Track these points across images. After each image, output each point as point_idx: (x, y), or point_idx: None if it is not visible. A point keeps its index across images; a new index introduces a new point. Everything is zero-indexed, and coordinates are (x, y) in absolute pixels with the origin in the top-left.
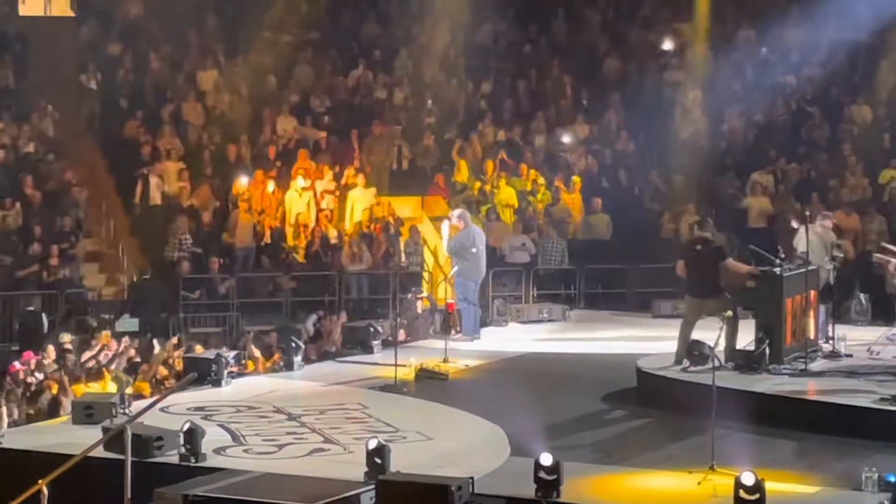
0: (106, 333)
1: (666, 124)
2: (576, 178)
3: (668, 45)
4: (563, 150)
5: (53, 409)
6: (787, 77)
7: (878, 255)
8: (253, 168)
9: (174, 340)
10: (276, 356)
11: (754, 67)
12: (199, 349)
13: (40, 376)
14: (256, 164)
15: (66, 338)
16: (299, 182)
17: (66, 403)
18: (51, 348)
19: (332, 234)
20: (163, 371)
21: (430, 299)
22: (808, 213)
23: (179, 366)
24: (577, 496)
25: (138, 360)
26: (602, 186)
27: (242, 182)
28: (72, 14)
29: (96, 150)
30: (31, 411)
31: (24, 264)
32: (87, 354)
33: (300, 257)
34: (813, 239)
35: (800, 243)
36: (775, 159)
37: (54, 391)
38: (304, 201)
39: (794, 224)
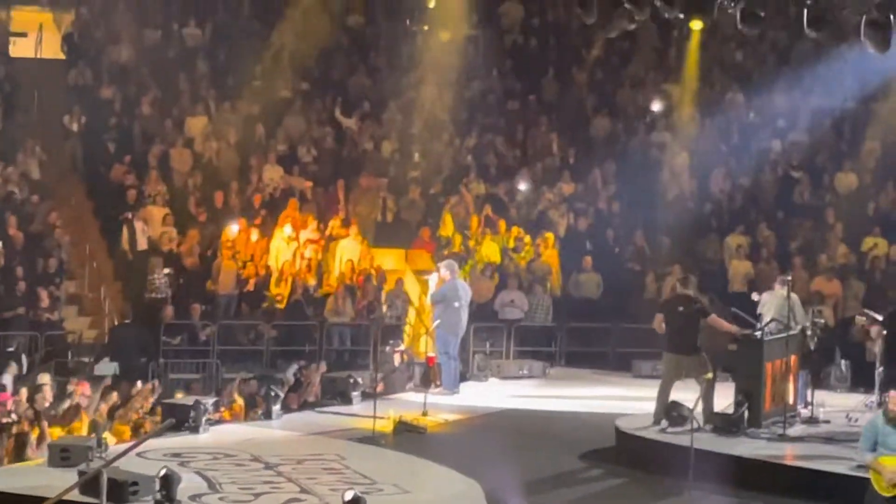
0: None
1: (652, 184)
2: (549, 235)
3: (656, 105)
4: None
5: (19, 450)
6: (773, 142)
7: (861, 317)
8: (238, 216)
9: (148, 386)
10: (260, 405)
11: (741, 131)
12: (178, 395)
13: (15, 417)
14: (242, 211)
15: (45, 378)
16: (286, 231)
17: (35, 444)
18: (23, 390)
19: (313, 283)
20: (136, 416)
21: (407, 353)
22: (789, 279)
23: (146, 408)
24: None
25: (119, 403)
26: (585, 245)
27: (232, 229)
28: (63, 57)
29: (82, 192)
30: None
31: (9, 305)
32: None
33: (282, 305)
34: (779, 302)
35: (764, 309)
36: (759, 223)
37: (26, 430)
38: (289, 250)
39: (755, 296)
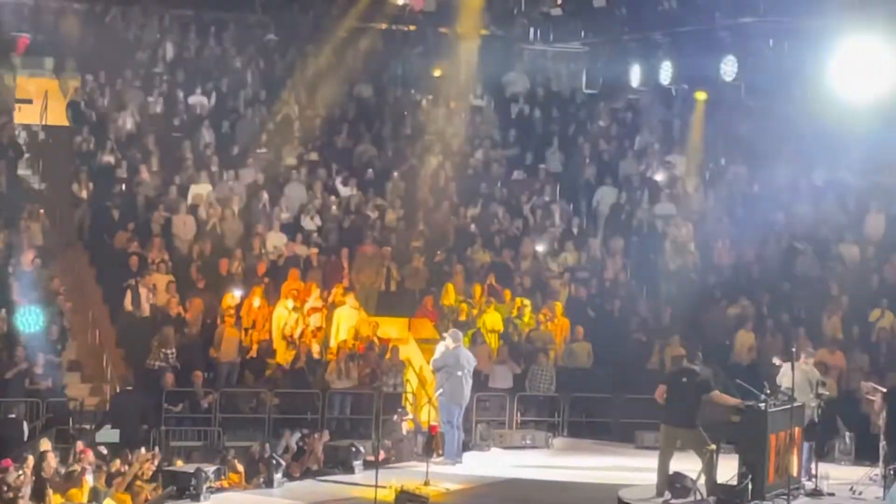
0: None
1: (656, 255)
2: (557, 304)
3: (660, 177)
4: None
5: None
6: (777, 214)
7: (866, 384)
8: (242, 283)
9: (147, 454)
10: (262, 473)
11: (745, 203)
12: (179, 463)
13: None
14: (245, 279)
15: (46, 445)
16: (289, 303)
17: None
18: (30, 458)
19: (317, 350)
20: (137, 483)
21: (414, 421)
22: (794, 350)
23: (147, 475)
24: None
25: (123, 470)
26: (588, 315)
27: (235, 296)
28: (67, 124)
29: (85, 259)
30: None
31: (10, 371)
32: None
33: (285, 365)
34: (798, 376)
35: (784, 380)
36: (763, 295)
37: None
38: (292, 319)
39: (777, 361)
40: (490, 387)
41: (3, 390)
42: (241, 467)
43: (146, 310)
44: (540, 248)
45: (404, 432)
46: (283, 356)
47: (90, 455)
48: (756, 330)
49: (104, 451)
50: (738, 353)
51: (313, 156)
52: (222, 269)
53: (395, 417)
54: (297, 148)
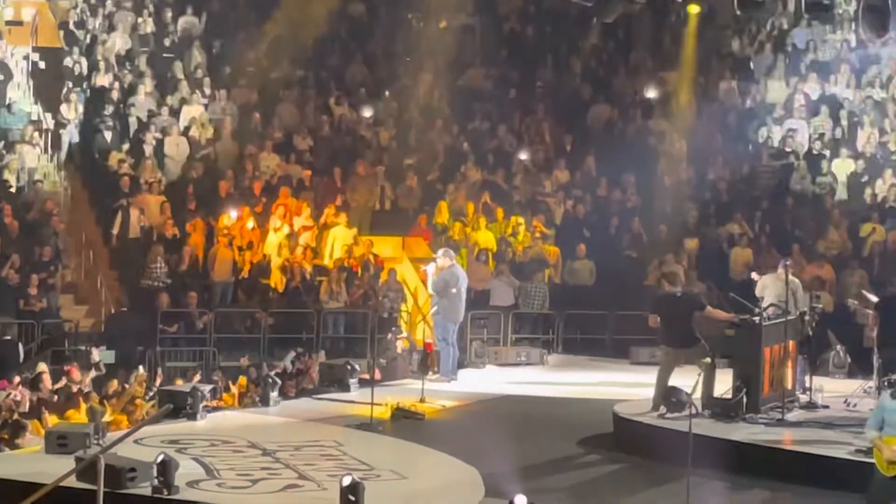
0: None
1: (649, 172)
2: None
3: (652, 93)
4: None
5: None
6: (771, 129)
7: (854, 301)
8: (236, 204)
9: (143, 373)
10: (243, 381)
11: (738, 119)
12: (179, 382)
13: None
14: (239, 199)
15: (43, 367)
16: (278, 221)
17: (32, 429)
18: (26, 380)
19: (309, 270)
20: (134, 403)
21: (409, 339)
22: (787, 265)
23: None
24: None
25: (120, 390)
26: (582, 232)
27: (231, 216)
28: (59, 45)
29: (78, 180)
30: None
31: (4, 293)
32: (61, 384)
33: (280, 287)
34: (779, 287)
35: (765, 292)
36: (757, 210)
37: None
38: (280, 237)
39: (755, 276)
40: (491, 304)
41: None
42: (235, 389)
43: (136, 231)
44: (533, 166)
45: (399, 351)
46: (276, 276)
47: (77, 371)
48: (750, 245)
49: (100, 371)
50: (733, 270)
51: (305, 76)
52: (222, 190)
53: (389, 336)
54: (288, 68)
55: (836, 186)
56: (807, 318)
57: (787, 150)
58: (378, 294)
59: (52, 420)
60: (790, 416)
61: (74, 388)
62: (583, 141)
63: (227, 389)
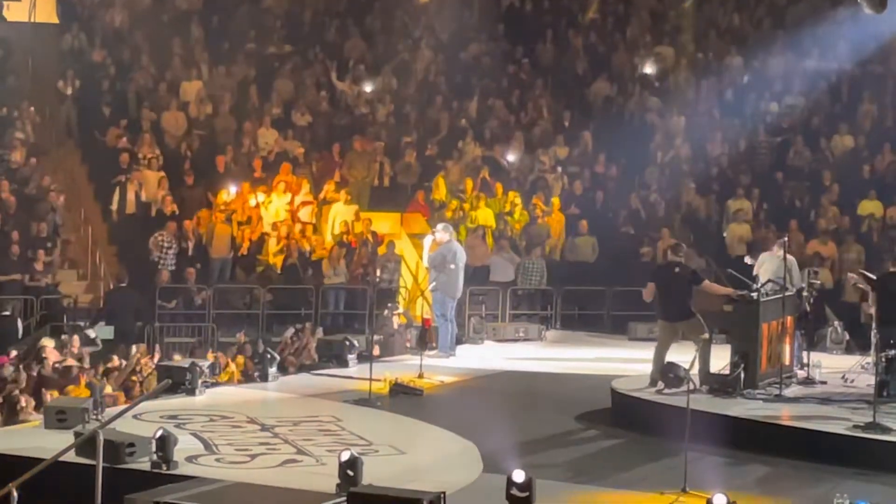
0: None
1: (647, 148)
2: (555, 200)
3: (650, 69)
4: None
5: (11, 411)
6: (770, 105)
7: (854, 275)
8: (234, 179)
9: (142, 348)
10: (240, 359)
11: (737, 94)
12: (177, 358)
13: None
14: (237, 175)
15: (49, 341)
16: (277, 196)
17: (29, 406)
18: (13, 352)
19: (308, 247)
20: (133, 379)
21: (406, 315)
22: (786, 240)
23: (146, 372)
24: None
25: (118, 365)
26: (580, 209)
27: (231, 192)
28: (56, 21)
29: (76, 156)
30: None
31: (3, 269)
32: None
33: (278, 265)
34: (775, 264)
35: (760, 271)
36: (755, 186)
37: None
38: (281, 212)
39: (748, 260)
40: (490, 280)
41: None
42: (235, 363)
43: (135, 207)
44: (531, 141)
45: (395, 327)
46: (273, 252)
47: (78, 342)
48: (748, 221)
49: (96, 346)
50: (730, 246)
51: (304, 51)
52: (220, 166)
53: (387, 312)
54: (286, 43)
55: (834, 162)
56: (804, 293)
57: (785, 125)
58: (377, 267)
59: (52, 395)
60: (788, 392)
61: (74, 364)
62: (581, 117)
63: (227, 366)
